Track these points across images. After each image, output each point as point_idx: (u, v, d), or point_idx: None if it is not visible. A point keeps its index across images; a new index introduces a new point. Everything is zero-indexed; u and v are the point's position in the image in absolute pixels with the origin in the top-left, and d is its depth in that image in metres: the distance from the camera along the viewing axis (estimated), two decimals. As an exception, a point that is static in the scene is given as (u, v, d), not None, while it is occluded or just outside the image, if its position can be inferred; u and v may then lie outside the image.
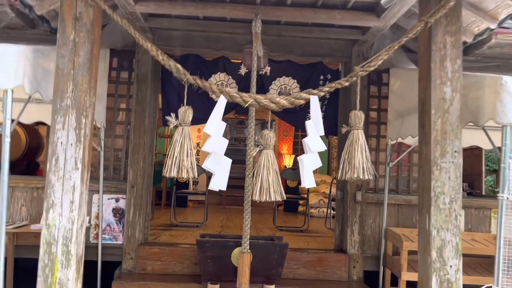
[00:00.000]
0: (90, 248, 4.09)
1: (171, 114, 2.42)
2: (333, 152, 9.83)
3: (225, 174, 2.41)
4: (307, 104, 4.54)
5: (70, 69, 2.46)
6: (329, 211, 6.26)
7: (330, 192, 6.22)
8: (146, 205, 4.23)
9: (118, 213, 4.18)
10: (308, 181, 2.40)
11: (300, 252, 4.23)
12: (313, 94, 2.46)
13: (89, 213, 4.17)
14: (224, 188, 2.42)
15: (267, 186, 2.38)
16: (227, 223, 6.46)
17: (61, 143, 2.41)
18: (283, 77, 4.57)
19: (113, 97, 4.38)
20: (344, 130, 2.51)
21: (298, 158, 2.45)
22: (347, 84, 2.52)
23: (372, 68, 2.51)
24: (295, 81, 4.55)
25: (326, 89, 2.49)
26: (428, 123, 2.58)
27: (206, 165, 2.39)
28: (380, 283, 4.14)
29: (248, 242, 3.19)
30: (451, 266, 2.46)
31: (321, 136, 2.49)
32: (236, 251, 3.75)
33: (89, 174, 2.57)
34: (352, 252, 4.19)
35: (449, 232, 2.48)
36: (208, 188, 2.44)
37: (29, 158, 6.80)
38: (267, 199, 2.38)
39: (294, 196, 7.07)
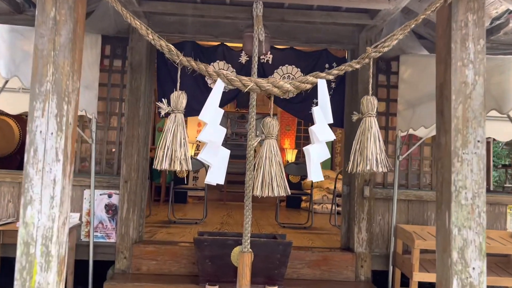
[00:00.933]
0: (81, 246, 3.87)
1: (162, 100, 2.17)
2: (337, 147, 9.58)
3: (223, 166, 2.16)
4: (312, 92, 4.29)
5: (50, 50, 2.21)
6: (333, 207, 6.02)
7: (334, 187, 5.98)
8: (140, 201, 4.00)
9: (111, 209, 3.94)
10: (315, 174, 2.15)
11: (304, 250, 3.99)
12: (321, 77, 2.21)
13: (80, 209, 3.95)
14: (222, 182, 2.18)
15: (269, 180, 2.13)
16: (228, 220, 6.23)
17: (40, 132, 2.17)
18: (286, 65, 4.31)
19: (106, 86, 4.14)
20: (355, 117, 2.26)
21: (304, 148, 2.20)
22: (358, 66, 2.27)
23: (386, 49, 2.26)
24: (299, 69, 4.30)
25: (335, 72, 2.24)
26: (447, 110, 2.33)
27: (202, 156, 2.14)
28: (390, 284, 3.90)
29: (249, 241, 2.95)
30: (474, 268, 2.22)
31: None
32: (236, 250, 3.52)
33: (73, 167, 2.32)
34: (359, 251, 3.95)
35: (471, 231, 2.23)
36: (205, 182, 2.20)
37: (23, 153, 6.56)
38: (270, 194, 2.14)
39: (297, 192, 6.81)
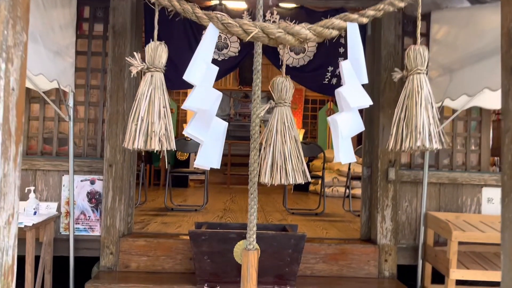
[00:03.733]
0: (60, 241, 3.34)
1: (134, 53, 1.59)
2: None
3: (219, 144, 1.58)
4: (328, 58, 3.69)
5: (-21, -13, 1.60)
6: (347, 191, 5.46)
7: (349, 169, 5.41)
8: (128, 188, 3.45)
9: (94, 198, 3.40)
10: (345, 153, 1.57)
11: (319, 243, 3.45)
12: (351, 20, 1.61)
13: (58, 198, 3.40)
14: (217, 165, 1.60)
15: (281, 162, 1.56)
16: (231, 206, 5.70)
17: (-32, 100, 1.58)
18: (296, 27, 3.67)
19: (86, 55, 3.54)
20: (397, 75, 1.66)
21: (329, 118, 1.62)
22: (402, 4, 1.66)
23: (440, -19, 1.65)
24: (311, 32, 3.66)
25: (371, 12, 1.63)
26: (522, 65, 1.72)
27: (189, 130, 1.56)
28: (419, 280, 3.36)
29: (254, 236, 2.39)
30: (557, 277, 1.65)
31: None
32: (240, 245, 2.99)
33: (20, 148, 1.74)
34: (383, 243, 3.40)
35: (555, 228, 1.65)
36: (195, 165, 1.63)
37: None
38: (283, 182, 1.56)
39: (306, 174, 6.23)
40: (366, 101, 1.57)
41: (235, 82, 9.63)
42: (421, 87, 1.58)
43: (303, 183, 1.58)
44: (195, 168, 9.06)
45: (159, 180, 8.44)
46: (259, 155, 1.69)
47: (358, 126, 1.59)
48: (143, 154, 5.50)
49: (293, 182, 1.56)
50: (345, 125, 1.57)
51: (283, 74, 1.67)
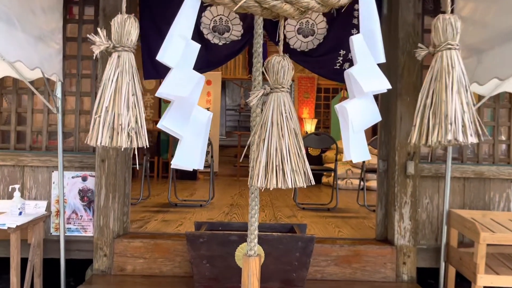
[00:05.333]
0: (51, 242, 3.12)
1: (98, 30, 1.30)
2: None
3: (199, 140, 1.29)
4: (339, 41, 3.35)
5: None
6: (362, 184, 5.15)
7: (363, 161, 5.07)
8: (123, 185, 3.18)
9: (86, 195, 3.15)
10: (356, 150, 1.27)
11: (331, 244, 3.15)
12: (365, -17, 1.30)
13: (48, 196, 3.17)
14: (198, 165, 1.32)
15: (278, 162, 1.26)
16: (239, 200, 5.43)
17: None
18: (304, 7, 3.35)
19: (76, 41, 3.28)
20: (422, 52, 1.35)
21: (337, 106, 1.31)
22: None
23: None
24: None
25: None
26: None
27: (165, 123, 1.28)
28: (441, 285, 3.04)
29: (255, 241, 2.11)
30: None
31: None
32: (242, 248, 2.72)
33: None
34: (401, 244, 3.09)
35: None
36: (172, 166, 1.35)
37: None
38: (280, 185, 1.27)
39: (318, 168, 5.89)
40: (383, 84, 1.26)
41: (244, 71, 9.30)
42: (452, 66, 1.26)
43: (304, 186, 1.29)
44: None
45: (168, 173, 8.22)
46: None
47: (373, 116, 1.29)
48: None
49: (293, 186, 1.27)
50: (356, 114, 1.26)
51: (280, 52, 1.37)
